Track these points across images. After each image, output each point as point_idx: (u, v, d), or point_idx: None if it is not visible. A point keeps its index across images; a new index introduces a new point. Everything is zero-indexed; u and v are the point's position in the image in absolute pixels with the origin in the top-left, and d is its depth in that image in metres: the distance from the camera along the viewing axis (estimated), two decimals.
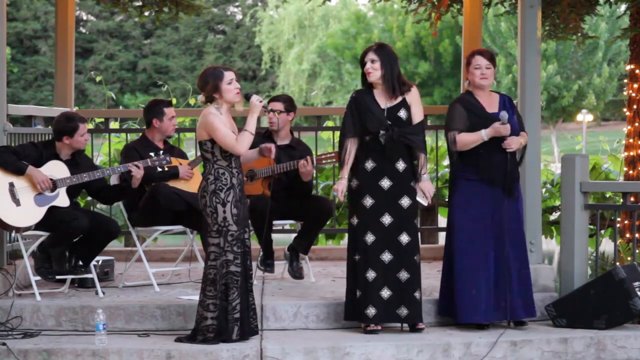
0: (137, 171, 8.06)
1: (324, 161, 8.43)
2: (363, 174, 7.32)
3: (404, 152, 7.31)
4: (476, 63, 7.51)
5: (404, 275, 7.29)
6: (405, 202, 7.31)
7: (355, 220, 7.35)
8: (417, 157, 7.33)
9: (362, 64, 7.33)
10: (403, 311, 7.30)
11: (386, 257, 7.28)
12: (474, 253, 7.44)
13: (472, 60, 7.53)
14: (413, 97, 7.35)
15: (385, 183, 7.30)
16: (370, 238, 7.29)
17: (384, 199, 7.29)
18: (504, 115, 7.40)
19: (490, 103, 7.54)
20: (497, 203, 7.45)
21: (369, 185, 7.31)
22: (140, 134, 8.86)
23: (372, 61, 7.29)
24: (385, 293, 7.27)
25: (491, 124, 7.42)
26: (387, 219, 7.29)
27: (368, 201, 7.30)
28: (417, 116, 7.35)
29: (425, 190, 7.35)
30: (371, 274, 7.27)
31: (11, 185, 7.80)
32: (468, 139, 7.47)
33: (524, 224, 7.64)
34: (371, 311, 7.26)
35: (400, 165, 7.31)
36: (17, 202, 7.79)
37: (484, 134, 7.42)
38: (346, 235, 7.69)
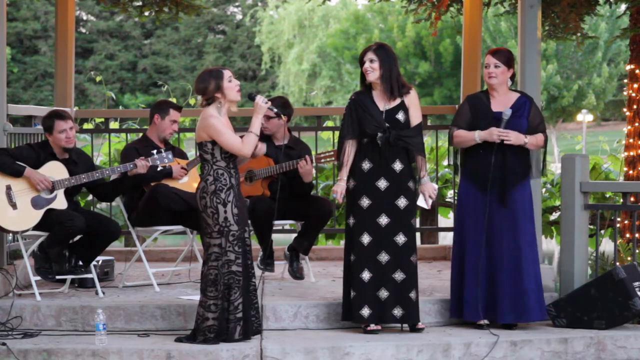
0: (143, 165, 8.02)
1: (322, 160, 8.42)
2: (360, 174, 7.30)
3: (401, 153, 7.28)
4: (486, 62, 7.48)
5: (399, 275, 7.28)
6: (402, 202, 7.30)
7: (351, 221, 7.34)
8: (415, 159, 7.31)
9: (361, 63, 7.31)
10: (398, 312, 7.29)
11: (383, 257, 7.27)
12: (465, 253, 7.45)
13: (485, 58, 7.52)
14: (412, 99, 7.33)
15: (382, 184, 7.28)
16: (366, 239, 7.27)
17: (381, 199, 7.27)
18: (507, 112, 7.36)
19: (503, 102, 7.47)
20: (490, 205, 7.41)
21: (365, 185, 7.29)
22: (141, 134, 8.85)
23: (371, 61, 7.26)
24: (383, 294, 7.26)
25: (494, 123, 7.38)
26: (383, 220, 7.28)
27: (364, 202, 7.29)
28: (415, 119, 7.33)
29: (428, 192, 7.33)
30: (366, 275, 7.26)
31: (8, 188, 7.77)
32: (462, 136, 7.47)
33: (522, 228, 7.46)
34: (366, 311, 7.26)
35: (397, 166, 7.29)
36: (13, 206, 7.76)
37: (476, 136, 7.39)
38: None
